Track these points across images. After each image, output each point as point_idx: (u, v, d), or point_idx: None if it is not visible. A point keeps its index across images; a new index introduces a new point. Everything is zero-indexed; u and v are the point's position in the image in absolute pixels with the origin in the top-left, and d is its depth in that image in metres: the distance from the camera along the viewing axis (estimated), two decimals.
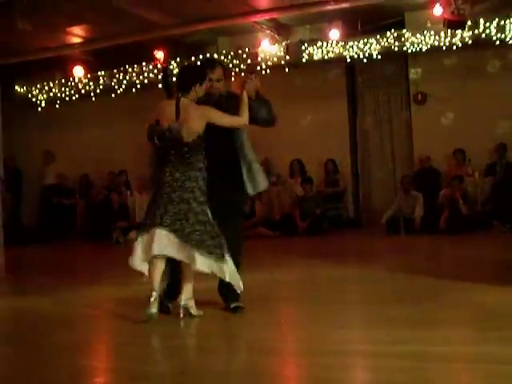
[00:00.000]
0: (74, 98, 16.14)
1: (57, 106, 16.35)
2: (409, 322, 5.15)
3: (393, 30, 13.55)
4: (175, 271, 5.62)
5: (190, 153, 5.56)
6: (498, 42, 12.92)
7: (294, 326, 5.57)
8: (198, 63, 6.29)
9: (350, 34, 13.95)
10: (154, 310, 5.36)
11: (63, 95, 16.23)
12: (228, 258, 5.43)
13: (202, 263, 5.35)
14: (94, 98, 15.98)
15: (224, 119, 5.63)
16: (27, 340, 5.28)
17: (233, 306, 5.75)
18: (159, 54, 14.65)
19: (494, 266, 8.32)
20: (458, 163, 13.41)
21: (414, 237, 12.26)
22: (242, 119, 5.70)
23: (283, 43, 14.27)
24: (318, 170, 14.41)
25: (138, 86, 15.41)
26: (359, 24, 13.95)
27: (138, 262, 5.53)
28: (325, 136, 14.22)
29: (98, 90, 15.89)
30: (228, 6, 12.54)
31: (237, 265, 5.58)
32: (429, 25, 13.26)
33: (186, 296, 5.54)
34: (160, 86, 14.65)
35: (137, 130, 16.69)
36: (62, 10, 11.89)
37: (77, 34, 13.98)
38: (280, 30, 14.36)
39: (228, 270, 5.41)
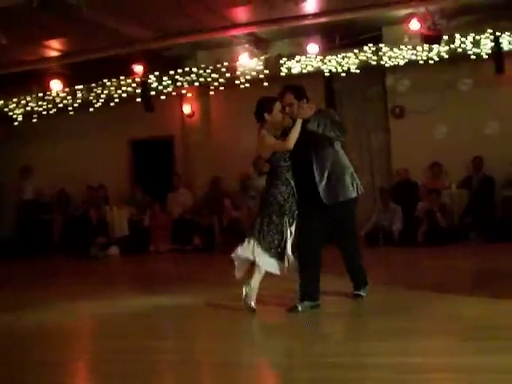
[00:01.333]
0: (51, 112, 16.02)
1: (34, 120, 16.23)
2: (387, 333, 5.17)
3: (370, 45, 13.62)
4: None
5: (269, 175, 6.64)
6: (473, 57, 13.04)
7: (270, 340, 5.55)
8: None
9: (329, 48, 14.01)
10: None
11: (40, 109, 16.11)
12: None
13: None
14: (71, 112, 15.88)
15: (271, 145, 6.44)
16: (5, 357, 5.23)
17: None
18: (138, 68, 14.64)
19: (471, 277, 8.39)
20: (435, 176, 13.51)
21: (392, 249, 12.31)
22: (286, 144, 6.36)
23: (262, 57, 14.31)
24: None
25: (117, 100, 15.36)
26: (337, 38, 14.00)
27: None
28: None
29: (75, 104, 15.78)
30: (207, 20, 12.55)
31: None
32: (406, 39, 13.35)
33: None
34: (139, 99, 14.94)
35: (115, 145, 16.88)
36: (40, 24, 11.83)
37: (54, 48, 13.89)
38: (259, 44, 14.40)
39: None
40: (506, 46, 12.78)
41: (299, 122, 6.31)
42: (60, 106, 15.94)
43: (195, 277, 9.84)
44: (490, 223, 12.26)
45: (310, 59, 14.05)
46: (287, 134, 6.39)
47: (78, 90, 15.72)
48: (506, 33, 12.75)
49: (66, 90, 15.75)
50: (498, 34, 12.69)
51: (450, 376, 4.02)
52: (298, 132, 6.31)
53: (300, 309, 6.29)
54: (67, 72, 15.45)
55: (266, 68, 14.20)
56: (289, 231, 6.59)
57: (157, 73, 14.92)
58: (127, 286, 9.96)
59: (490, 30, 12.80)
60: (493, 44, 12.76)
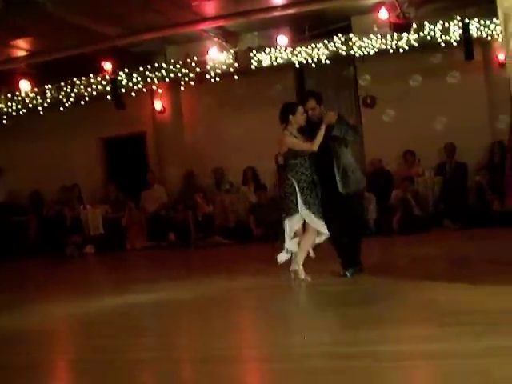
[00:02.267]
0: (21, 112, 15.88)
1: (4, 121, 16.08)
2: (363, 322, 5.18)
3: (340, 35, 13.64)
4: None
5: (286, 168, 7.64)
6: (442, 44, 13.11)
7: (250, 333, 5.55)
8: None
9: (298, 39, 14.01)
10: None
11: (10, 110, 15.95)
12: None
13: None
14: (41, 112, 15.75)
15: (297, 146, 7.46)
16: None
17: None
18: (107, 65, 14.54)
19: (445, 264, 8.43)
20: (409, 164, 13.58)
21: (367, 238, 12.32)
22: (312, 146, 7.39)
23: (231, 50, 14.27)
24: (272, 177, 14.41)
25: (87, 99, 15.25)
26: (306, 29, 14.01)
27: None
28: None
29: (45, 104, 15.65)
30: (175, 15, 12.49)
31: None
32: (375, 29, 13.38)
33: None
34: (109, 97, 14.84)
35: (87, 143, 16.76)
36: (6, 23, 11.70)
37: (22, 47, 13.77)
38: (228, 37, 14.36)
39: None
40: (474, 33, 12.86)
41: (323, 128, 7.37)
42: (30, 106, 15.79)
43: (172, 274, 9.80)
44: (463, 210, 12.33)
45: (279, 51, 14.03)
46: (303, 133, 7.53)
47: (48, 89, 15.58)
48: (475, 19, 12.83)
49: (35, 89, 15.60)
50: (466, 20, 12.75)
51: (426, 362, 4.04)
52: (322, 136, 7.36)
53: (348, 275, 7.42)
54: (36, 71, 15.30)
55: (236, 61, 14.15)
56: (287, 223, 7.46)
57: (126, 70, 14.84)
58: (105, 284, 9.90)
59: (458, 17, 12.88)
60: (461, 31, 12.83)
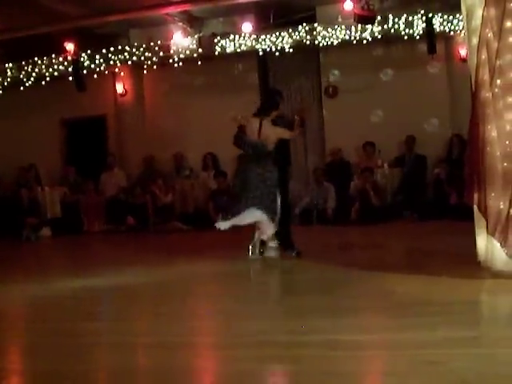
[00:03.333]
0: None
1: None
2: (320, 311, 5.21)
3: (304, 24, 13.66)
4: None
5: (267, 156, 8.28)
6: (406, 37, 13.21)
7: (205, 319, 5.56)
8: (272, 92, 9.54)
9: (263, 27, 14.01)
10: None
11: None
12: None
13: None
14: (1, 91, 15.53)
15: (285, 134, 8.33)
16: None
17: None
18: (69, 46, 14.39)
19: (404, 255, 8.54)
20: (368, 155, 13.67)
21: (326, 227, 12.43)
22: (292, 134, 8.39)
23: (196, 36, 14.21)
24: (232, 163, 14.38)
25: (48, 79, 15.05)
26: (271, 17, 14.00)
27: None
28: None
29: (5, 83, 15.43)
30: None
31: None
32: (340, 19, 13.43)
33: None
34: (71, 78, 14.68)
35: (47, 124, 16.53)
36: None
37: None
38: (192, 22, 14.30)
39: None
40: (437, 27, 12.98)
41: (298, 121, 8.38)
42: None
43: (129, 258, 9.77)
44: (422, 201, 12.47)
45: (244, 38, 14.01)
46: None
47: (8, 68, 15.35)
48: (438, 14, 12.95)
49: None
50: (429, 15, 12.86)
51: (383, 352, 4.09)
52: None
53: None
54: None
55: (199, 47, 14.09)
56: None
57: (89, 51, 14.68)
58: (61, 268, 9.81)
59: (422, 11, 12.98)
60: (425, 25, 12.95)
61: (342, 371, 3.73)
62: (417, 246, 8.96)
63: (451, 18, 12.91)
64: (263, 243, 8.26)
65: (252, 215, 8.06)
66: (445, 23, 12.99)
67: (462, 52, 12.79)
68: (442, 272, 6.32)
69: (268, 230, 8.12)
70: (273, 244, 8.28)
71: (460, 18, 12.14)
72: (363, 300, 5.64)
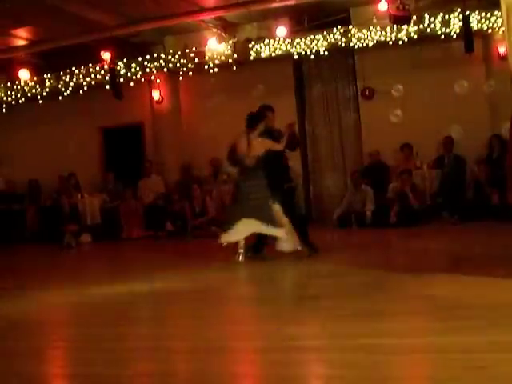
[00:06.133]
0: (20, 101, 15.88)
1: (3, 110, 16.07)
2: (361, 315, 5.16)
3: (339, 26, 13.61)
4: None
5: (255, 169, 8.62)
6: (442, 37, 13.09)
7: (247, 324, 5.54)
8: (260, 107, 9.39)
9: (297, 30, 13.99)
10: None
11: (9, 99, 15.94)
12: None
13: None
14: (40, 101, 15.73)
15: (275, 146, 8.60)
16: None
17: None
18: (106, 55, 14.51)
19: (443, 257, 8.42)
20: (406, 157, 13.55)
21: (365, 231, 12.34)
22: (281, 146, 8.62)
23: (230, 41, 14.24)
24: None
25: (85, 88, 15.23)
26: (306, 21, 13.99)
27: None
28: None
29: (44, 93, 15.64)
30: (174, 5, 12.47)
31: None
32: (374, 20, 13.35)
33: None
34: (108, 86, 14.81)
35: (85, 132, 16.74)
36: (6, 12, 11.67)
37: (21, 37, 13.76)
38: (227, 28, 14.34)
39: None
40: (475, 25, 12.83)
41: (287, 134, 8.76)
42: (29, 95, 15.79)
43: (168, 263, 9.80)
44: (461, 203, 12.32)
45: (278, 42, 14.00)
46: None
47: (47, 78, 15.57)
48: (475, 11, 12.80)
49: (35, 78, 15.60)
50: (466, 13, 12.72)
51: (424, 356, 4.02)
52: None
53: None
54: (35, 61, 15.31)
55: (234, 52, 14.12)
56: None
57: (125, 59, 14.82)
58: (101, 273, 9.87)
59: (458, 10, 12.84)
60: (462, 23, 12.80)
61: (385, 376, 3.68)
62: (458, 248, 8.86)
63: (489, 15, 12.77)
64: (260, 246, 8.81)
65: (249, 227, 8.45)
66: (482, 21, 12.84)
67: (501, 50, 12.63)
68: (484, 274, 6.22)
69: (274, 233, 8.49)
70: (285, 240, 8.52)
71: (499, 15, 12.00)
72: (403, 303, 5.56)
